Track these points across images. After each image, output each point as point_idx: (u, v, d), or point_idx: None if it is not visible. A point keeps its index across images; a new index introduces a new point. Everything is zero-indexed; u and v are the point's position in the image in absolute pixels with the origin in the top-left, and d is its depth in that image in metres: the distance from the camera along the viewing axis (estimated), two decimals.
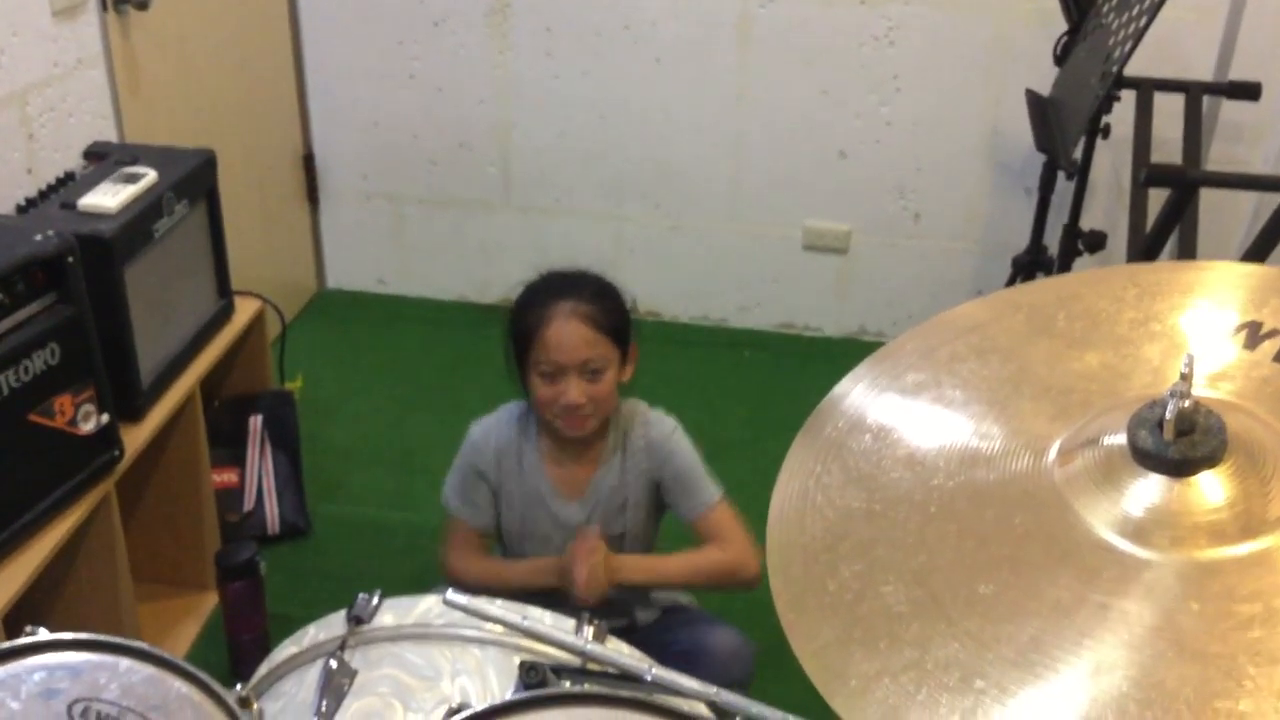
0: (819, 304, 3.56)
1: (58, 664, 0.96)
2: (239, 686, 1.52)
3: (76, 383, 1.83)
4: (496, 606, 1.05)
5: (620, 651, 1.03)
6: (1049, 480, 0.68)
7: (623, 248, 3.57)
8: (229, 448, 2.55)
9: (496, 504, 2.00)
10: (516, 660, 1.37)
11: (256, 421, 2.58)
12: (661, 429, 1.97)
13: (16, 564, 1.74)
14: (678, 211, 3.50)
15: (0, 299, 1.71)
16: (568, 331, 1.81)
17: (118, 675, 0.95)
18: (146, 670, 0.96)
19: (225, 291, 2.37)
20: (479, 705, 0.91)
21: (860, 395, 0.76)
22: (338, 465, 2.87)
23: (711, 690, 0.89)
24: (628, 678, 0.94)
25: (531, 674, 0.93)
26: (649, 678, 0.91)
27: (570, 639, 0.97)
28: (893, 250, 3.44)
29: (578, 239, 3.56)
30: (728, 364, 3.47)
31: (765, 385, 3.37)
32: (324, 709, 1.31)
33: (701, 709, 1.02)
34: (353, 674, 1.36)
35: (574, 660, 1.32)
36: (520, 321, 1.87)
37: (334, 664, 1.36)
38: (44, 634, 0.97)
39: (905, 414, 0.74)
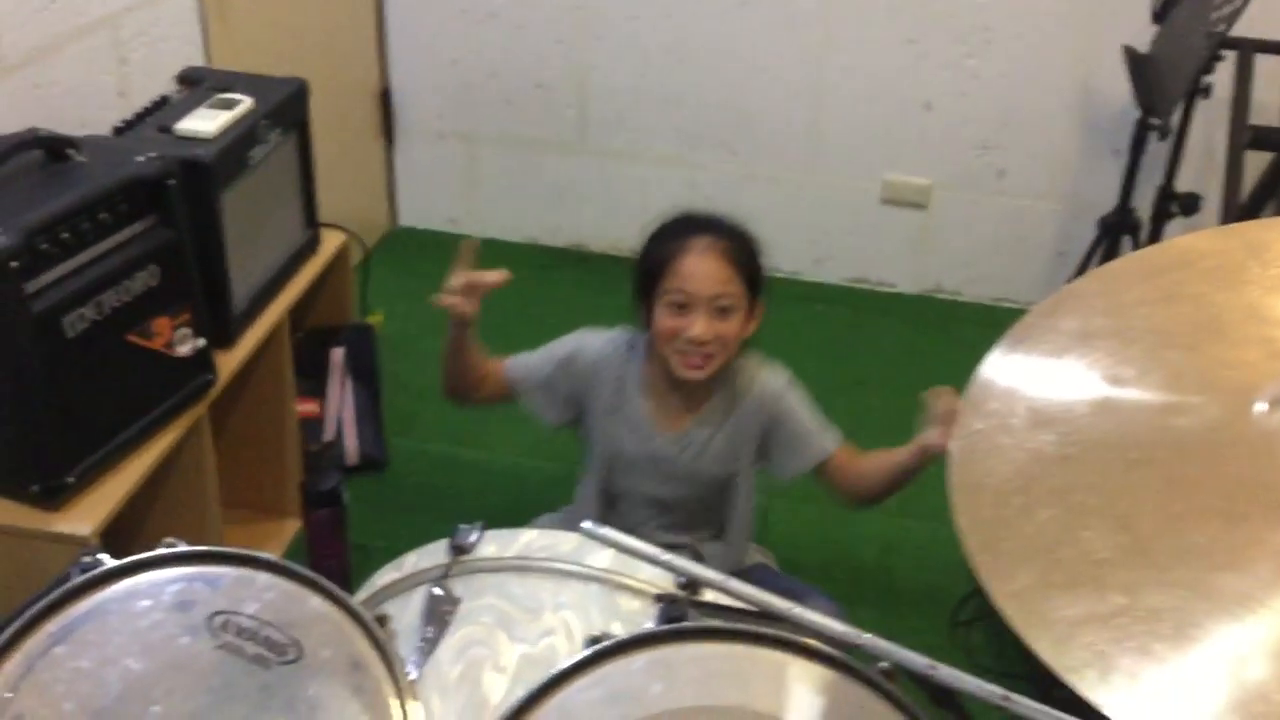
0: (895, 259, 3.51)
1: (195, 575, 0.96)
2: None
3: (174, 305, 1.84)
4: (632, 540, 1.04)
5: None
6: (1259, 428, 0.65)
7: (696, 194, 3.53)
8: (310, 378, 2.56)
9: (579, 413, 1.97)
10: (619, 598, 1.38)
11: (338, 354, 2.59)
12: (775, 385, 1.94)
13: (112, 482, 1.76)
14: (754, 160, 3.46)
15: (104, 218, 1.72)
16: (705, 264, 1.79)
17: (256, 590, 0.95)
18: (285, 586, 0.97)
19: (313, 222, 2.38)
20: (622, 635, 0.90)
21: (1043, 336, 0.74)
22: (412, 401, 2.88)
23: (862, 636, 0.87)
24: (767, 616, 0.93)
25: (672, 607, 0.92)
26: (791, 616, 0.90)
27: (715, 576, 0.96)
28: (974, 207, 3.38)
29: (652, 184, 3.53)
30: (798, 317, 3.44)
31: (836, 340, 3.34)
32: (429, 635, 1.32)
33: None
34: (456, 602, 1.36)
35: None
36: (655, 250, 1.84)
37: (438, 591, 1.36)
38: (182, 546, 0.98)
39: (1093, 358, 0.72)
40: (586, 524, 1.07)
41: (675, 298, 1.80)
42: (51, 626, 0.91)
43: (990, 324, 3.32)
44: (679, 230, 1.84)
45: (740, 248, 1.83)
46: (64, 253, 1.67)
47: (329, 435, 2.54)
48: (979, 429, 0.69)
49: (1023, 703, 0.82)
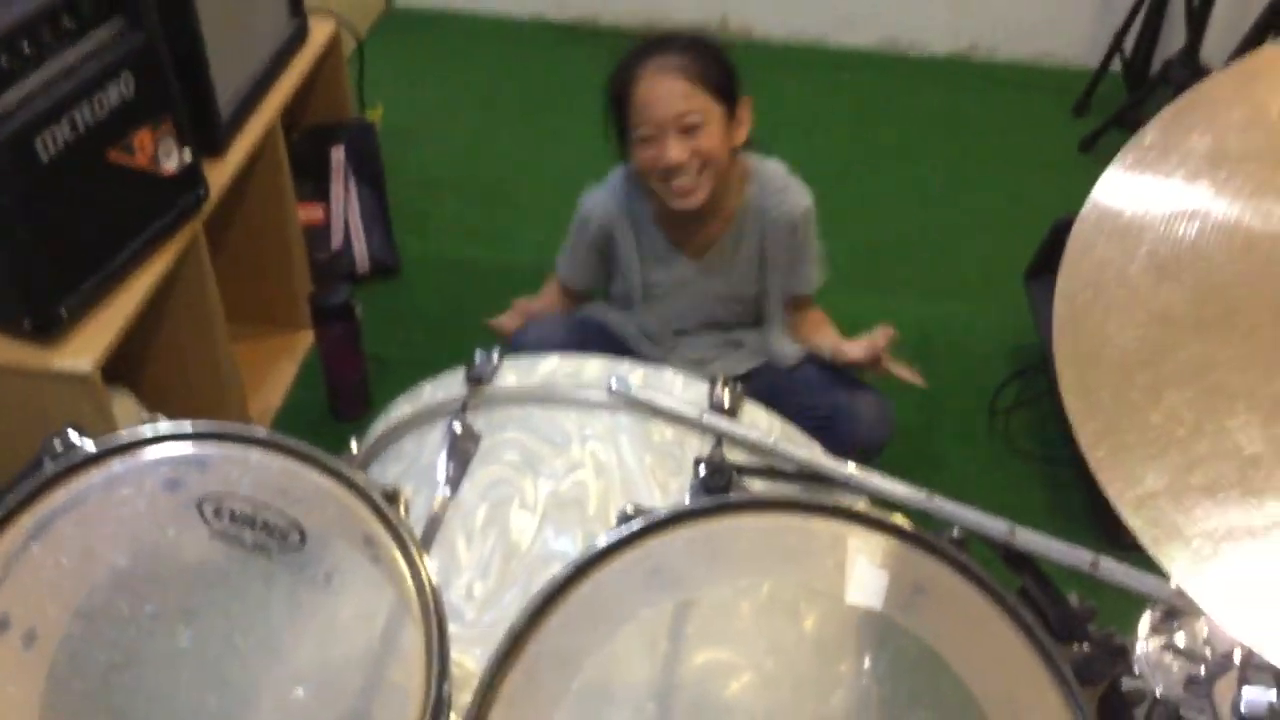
0: (928, 18, 3.27)
1: (182, 456, 0.87)
2: (354, 444, 1.46)
3: (154, 115, 1.69)
4: (667, 398, 0.94)
5: (791, 440, 0.91)
6: None
7: None
8: (312, 182, 2.42)
9: (610, 270, 1.92)
10: (650, 427, 1.29)
11: (339, 153, 2.44)
12: (804, 205, 1.85)
13: (109, 312, 1.66)
14: None
15: (66, 25, 1.55)
16: (660, 86, 1.68)
17: (249, 469, 0.86)
18: (280, 462, 0.87)
19: (298, 10, 2.19)
20: (658, 509, 0.81)
21: (1166, 160, 0.60)
22: (422, 197, 2.75)
23: (932, 499, 0.78)
24: (818, 478, 0.83)
25: (715, 477, 0.83)
26: (847, 479, 0.81)
27: (759, 438, 0.86)
28: None
29: None
30: (825, 87, 3.24)
31: (866, 110, 3.16)
32: (450, 473, 1.24)
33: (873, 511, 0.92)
34: (477, 438, 1.28)
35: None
36: (614, 89, 1.74)
37: (458, 427, 1.28)
38: (165, 425, 0.88)
39: (1233, 187, 0.58)
40: (613, 381, 0.96)
41: (642, 131, 1.70)
42: (27, 521, 0.82)
43: (1031, 85, 3.13)
44: (629, 61, 1.73)
45: (695, 57, 1.71)
46: (27, 66, 1.52)
47: (337, 242, 2.42)
48: (1088, 280, 0.56)
49: (1113, 568, 0.73)
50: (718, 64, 1.73)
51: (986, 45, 3.29)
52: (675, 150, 1.68)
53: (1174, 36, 2.99)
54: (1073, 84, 3.12)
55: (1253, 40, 2.43)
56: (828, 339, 1.88)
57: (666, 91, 1.68)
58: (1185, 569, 0.47)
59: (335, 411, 2.21)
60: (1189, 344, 0.53)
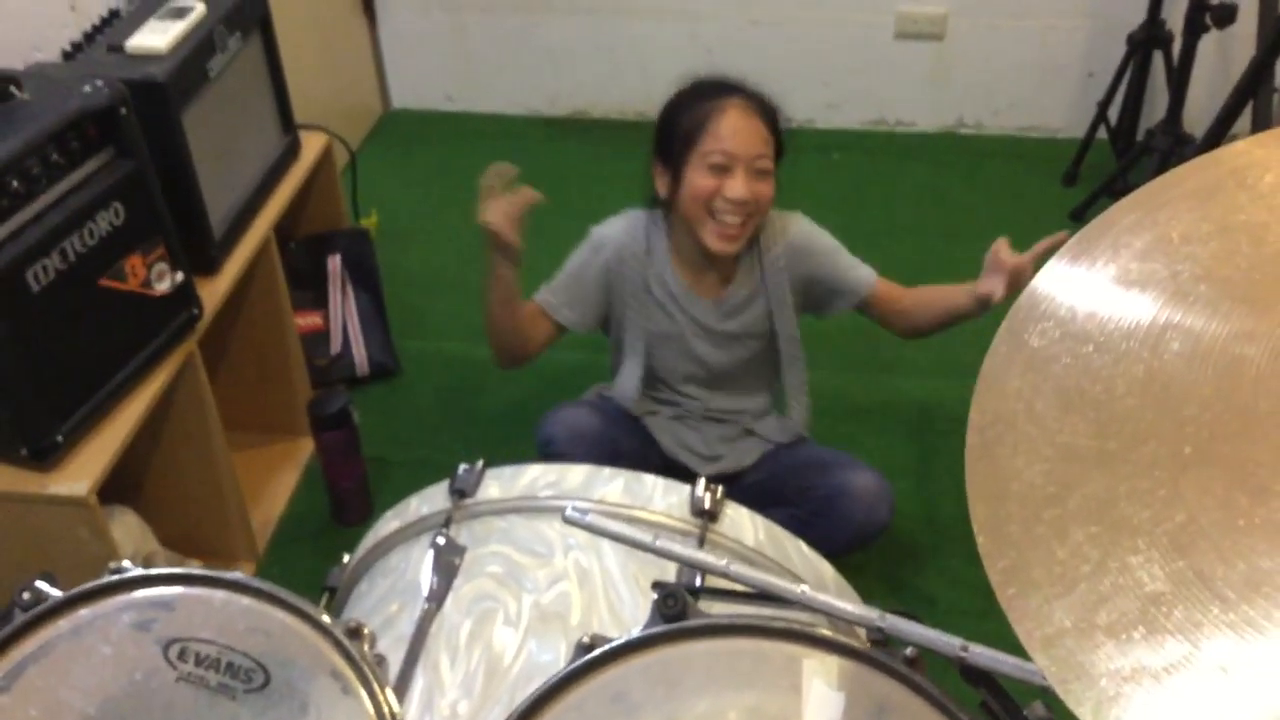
0: (912, 96, 3.32)
1: (148, 601, 0.88)
2: (345, 558, 1.47)
3: (145, 241, 1.73)
4: (622, 525, 0.95)
5: (766, 558, 0.92)
6: None
7: (699, 47, 3.34)
8: (309, 290, 2.46)
9: (609, 309, 1.92)
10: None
11: (335, 261, 2.48)
12: (800, 231, 1.89)
13: (105, 435, 1.68)
14: (757, 3, 3.25)
15: (55, 159, 1.60)
16: (746, 123, 1.72)
17: (213, 611, 0.87)
18: (244, 603, 0.89)
19: (289, 128, 2.24)
20: (614, 638, 0.82)
21: (1070, 289, 0.61)
22: (419, 298, 2.78)
23: (885, 618, 0.78)
24: (771, 597, 0.84)
25: (670, 602, 0.83)
26: (801, 600, 0.81)
27: (712, 561, 0.87)
28: (993, 33, 3.17)
29: (651, 41, 3.34)
30: (816, 168, 3.28)
31: (858, 188, 3.19)
32: (435, 588, 1.25)
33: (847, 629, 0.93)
34: (461, 551, 1.29)
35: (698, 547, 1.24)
36: (686, 113, 1.75)
37: (441, 541, 1.29)
38: (130, 569, 0.90)
39: (1134, 317, 0.59)
40: (569, 511, 0.98)
41: (715, 159, 1.72)
42: None
43: (1019, 157, 3.16)
44: (711, 92, 1.77)
45: (769, 110, 1.77)
46: (17, 202, 1.56)
47: (336, 348, 2.45)
48: (998, 414, 0.57)
49: None
50: (779, 123, 1.79)
51: (972, 120, 3.33)
52: (742, 185, 1.71)
53: (1158, 103, 3.03)
54: (1061, 154, 3.15)
55: (1233, 105, 2.45)
56: (957, 294, 1.81)
57: (753, 129, 1.72)
58: (1092, 711, 0.47)
59: (337, 517, 2.22)
60: (1093, 478, 0.54)
